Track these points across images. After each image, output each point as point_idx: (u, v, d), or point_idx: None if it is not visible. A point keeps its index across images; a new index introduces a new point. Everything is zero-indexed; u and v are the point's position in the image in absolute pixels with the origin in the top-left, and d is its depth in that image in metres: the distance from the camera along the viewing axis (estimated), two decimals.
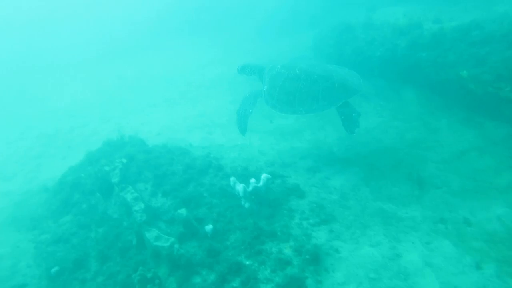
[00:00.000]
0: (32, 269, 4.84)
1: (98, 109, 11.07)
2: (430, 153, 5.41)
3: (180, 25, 20.20)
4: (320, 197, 4.83)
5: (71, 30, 22.94)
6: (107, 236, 4.73)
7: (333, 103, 6.03)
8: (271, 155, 6.10)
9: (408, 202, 4.55)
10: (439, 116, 6.34)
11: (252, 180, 4.56)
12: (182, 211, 4.40)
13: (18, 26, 24.01)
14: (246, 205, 4.61)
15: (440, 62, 6.38)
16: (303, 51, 11.44)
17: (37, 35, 22.59)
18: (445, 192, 4.59)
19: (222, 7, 20.00)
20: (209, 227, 4.33)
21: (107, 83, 13.65)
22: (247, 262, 3.87)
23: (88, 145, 8.27)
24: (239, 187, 4.56)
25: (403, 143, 5.83)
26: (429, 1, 8.42)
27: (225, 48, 15.31)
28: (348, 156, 5.78)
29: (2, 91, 14.37)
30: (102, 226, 4.91)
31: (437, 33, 6.57)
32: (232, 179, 4.70)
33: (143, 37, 20.29)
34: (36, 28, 23.46)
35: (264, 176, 4.62)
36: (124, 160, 5.34)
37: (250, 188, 4.53)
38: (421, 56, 6.73)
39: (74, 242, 4.93)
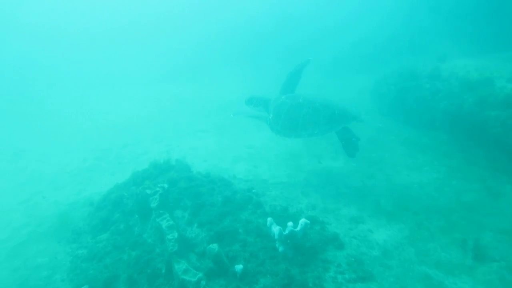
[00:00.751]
0: (65, 284, 4.90)
1: (152, 128, 11.50)
2: (489, 220, 4.91)
3: (241, 54, 20.82)
4: (360, 251, 4.51)
5: (134, 52, 24.42)
6: (138, 260, 4.70)
7: (334, 128, 6.62)
8: (314, 198, 5.88)
9: (459, 272, 4.11)
10: (504, 180, 5.82)
11: (290, 224, 4.37)
12: (214, 246, 4.27)
13: (89, 45, 25.93)
14: (280, 248, 4.41)
15: (511, 124, 5.93)
16: (358, 94, 11.26)
17: (104, 55, 24.24)
18: (502, 267, 4.10)
19: (289, 41, 20.34)
20: (239, 267, 4.17)
21: (164, 105, 14.22)
22: None
23: (137, 163, 8.54)
24: (275, 229, 4.38)
25: (460, 205, 5.36)
26: (507, 57, 8.00)
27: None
28: (395, 210, 5.41)
29: (66, 103, 15.43)
30: (135, 250, 4.90)
31: (511, 93, 6.15)
32: (269, 219, 4.54)
33: (203, 63, 21.11)
34: (104, 47, 25.24)
35: (302, 221, 4.41)
36: (165, 186, 5.37)
37: (287, 231, 4.34)
38: (489, 114, 6.29)
39: (107, 262, 4.95)
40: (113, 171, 8.48)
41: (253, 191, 5.94)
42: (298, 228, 4.38)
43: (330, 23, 19.97)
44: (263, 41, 21.44)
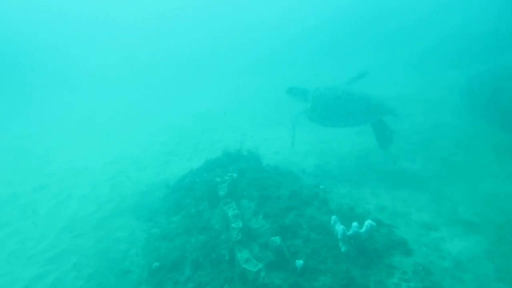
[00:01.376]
0: (139, 259, 5.33)
1: (229, 118, 11.87)
2: None
3: (329, 46, 20.51)
4: (429, 260, 4.25)
5: (219, 45, 25.21)
6: (204, 245, 4.93)
7: (370, 119, 7.13)
8: (383, 199, 5.64)
9: None
10: None
11: (355, 224, 4.26)
12: (277, 239, 4.32)
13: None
14: (343, 248, 4.32)
15: None
16: (446, 91, 10.46)
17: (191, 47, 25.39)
18: None
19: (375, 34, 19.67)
20: (299, 262, 4.17)
21: (244, 95, 14.55)
22: None
23: (212, 151, 8.90)
24: (339, 228, 4.29)
25: None
26: None
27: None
28: (474, 220, 4.99)
29: (156, 90, 16.53)
30: (202, 234, 5.15)
31: None
32: (334, 218, 4.46)
33: (288, 54, 21.18)
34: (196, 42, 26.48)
35: (368, 222, 4.27)
36: (234, 175, 5.53)
37: (351, 232, 4.23)
38: None
39: (177, 243, 5.27)
40: (190, 156, 8.93)
41: (321, 187, 5.87)
42: (363, 230, 4.25)
43: (421, 13, 18.85)
44: (350, 34, 20.91)
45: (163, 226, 5.96)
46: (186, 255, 4.93)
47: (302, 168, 6.92)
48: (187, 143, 9.88)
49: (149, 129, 11.29)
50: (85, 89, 18.60)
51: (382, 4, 21.63)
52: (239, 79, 18.06)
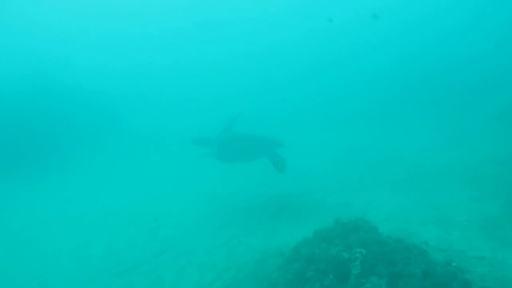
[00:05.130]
0: None
1: (326, 177, 11.92)
2: None
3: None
4: None
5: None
6: None
7: (266, 152, 9.61)
8: None
9: None
10: None
11: None
12: None
13: None
14: None
15: None
16: None
17: None
18: None
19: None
20: None
21: (336, 152, 14.61)
22: None
23: (318, 215, 8.91)
24: None
25: None
26: None
27: (460, 130, 14.32)
28: None
29: None
30: None
31: None
32: None
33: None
34: None
35: None
36: (363, 251, 5.48)
37: None
38: None
39: None
40: (296, 220, 9.00)
41: (454, 264, 5.56)
42: None
43: None
44: None
45: None
46: None
47: (423, 239, 6.62)
48: (288, 206, 10.00)
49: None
50: None
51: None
52: (329, 133, 18.30)
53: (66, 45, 30.87)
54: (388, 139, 16.02)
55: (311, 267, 6.34)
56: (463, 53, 25.27)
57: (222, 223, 9.52)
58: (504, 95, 16.56)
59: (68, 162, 17.27)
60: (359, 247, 5.89)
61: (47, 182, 15.29)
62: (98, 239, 9.72)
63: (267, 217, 9.38)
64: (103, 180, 14.75)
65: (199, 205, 11.43)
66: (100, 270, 8.05)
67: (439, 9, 31.80)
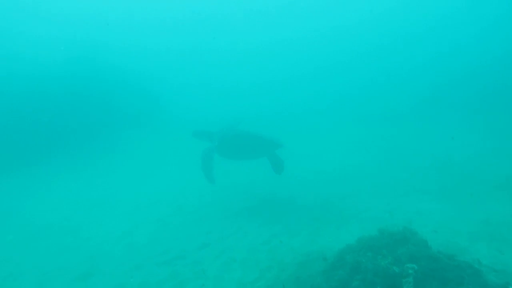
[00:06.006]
0: None
1: (367, 180, 11.70)
2: None
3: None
4: None
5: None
6: None
7: (265, 153, 9.87)
8: None
9: None
10: None
11: None
12: None
13: None
14: None
15: None
16: None
17: None
18: None
19: None
20: None
21: (376, 152, 14.29)
22: None
23: (360, 220, 8.82)
24: None
25: None
26: None
27: None
28: None
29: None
30: None
31: None
32: None
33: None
34: None
35: None
36: (415, 267, 5.37)
37: None
38: None
39: None
40: (338, 225, 8.90)
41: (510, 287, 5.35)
42: None
43: None
44: None
45: None
46: None
47: (476, 257, 6.40)
48: (332, 208, 9.91)
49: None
50: None
51: None
52: (369, 128, 17.92)
53: (110, 28, 31.71)
54: (430, 141, 15.53)
55: (356, 277, 6.29)
56: None
57: (263, 221, 9.59)
58: None
59: (116, 147, 17.86)
60: (409, 261, 5.79)
61: (96, 167, 15.92)
62: (143, 227, 10.06)
63: (309, 218, 9.35)
64: (149, 166, 15.20)
65: (240, 199, 11.55)
66: (145, 259, 8.33)
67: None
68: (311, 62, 33.60)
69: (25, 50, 24.90)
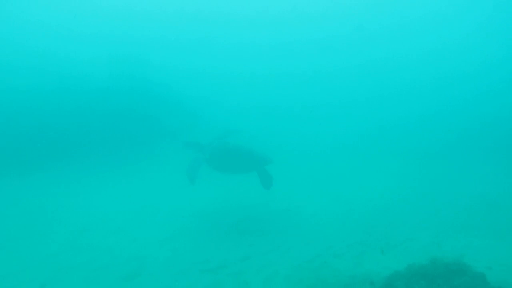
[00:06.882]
0: None
1: (414, 211, 11.49)
2: None
3: None
4: None
5: None
6: None
7: (255, 168, 10.14)
8: None
9: None
10: None
11: None
12: None
13: None
14: None
15: None
16: None
17: None
18: None
19: None
20: None
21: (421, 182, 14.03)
22: None
23: (405, 249, 8.65)
24: None
25: None
26: None
27: None
28: None
29: None
30: None
31: None
32: None
33: None
34: None
35: None
36: None
37: None
38: None
39: None
40: (384, 250, 8.74)
41: None
42: None
43: None
44: None
45: None
46: None
47: None
48: (374, 233, 9.76)
49: (339, 220, 11.31)
50: None
51: None
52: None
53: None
54: (477, 179, 15.06)
55: None
56: None
57: (307, 240, 9.53)
58: None
59: (158, 155, 18.31)
60: None
61: (138, 173, 16.34)
62: (185, 234, 10.18)
63: (353, 242, 9.23)
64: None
65: (281, 217, 11.55)
66: (189, 265, 8.40)
67: None
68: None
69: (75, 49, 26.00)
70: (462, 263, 6.70)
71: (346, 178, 15.85)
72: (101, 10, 32.30)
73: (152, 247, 9.30)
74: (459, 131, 22.02)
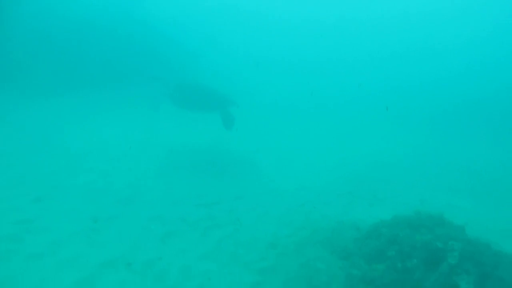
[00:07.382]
0: None
1: (403, 170, 11.92)
2: None
3: None
4: None
5: None
6: None
7: (219, 108, 10.39)
8: None
9: None
10: None
11: None
12: None
13: None
14: None
15: None
16: None
17: None
18: None
19: None
20: None
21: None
22: None
23: (393, 203, 9.06)
24: None
25: None
26: None
27: None
28: None
29: None
30: None
31: None
32: None
33: None
34: None
35: None
36: (459, 244, 5.58)
37: None
38: None
39: None
40: (370, 202, 9.17)
41: None
42: None
43: None
44: None
45: (364, 270, 6.24)
46: None
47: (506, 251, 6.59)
48: (363, 187, 10.17)
49: (330, 172, 11.69)
50: None
51: None
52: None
53: None
54: (466, 147, 15.61)
55: (393, 247, 6.53)
56: None
57: (298, 186, 9.89)
58: None
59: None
60: (449, 240, 6.00)
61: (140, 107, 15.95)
62: (180, 170, 10.35)
63: (343, 191, 9.63)
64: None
65: (277, 165, 11.84)
66: (183, 198, 8.63)
67: None
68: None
69: None
70: (443, 218, 7.12)
71: (344, 135, 16.22)
72: None
73: (146, 178, 9.48)
74: (455, 104, 22.31)
